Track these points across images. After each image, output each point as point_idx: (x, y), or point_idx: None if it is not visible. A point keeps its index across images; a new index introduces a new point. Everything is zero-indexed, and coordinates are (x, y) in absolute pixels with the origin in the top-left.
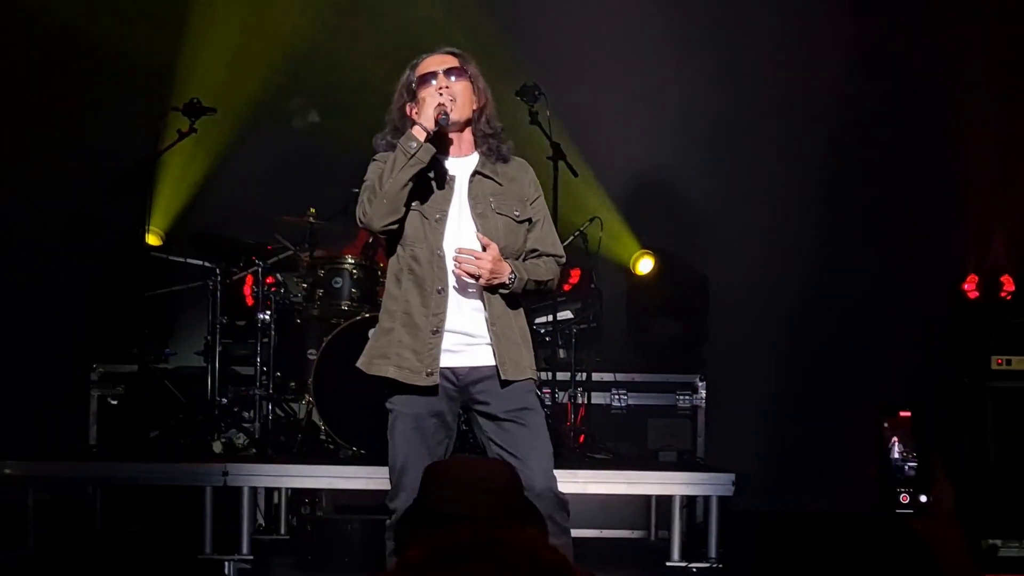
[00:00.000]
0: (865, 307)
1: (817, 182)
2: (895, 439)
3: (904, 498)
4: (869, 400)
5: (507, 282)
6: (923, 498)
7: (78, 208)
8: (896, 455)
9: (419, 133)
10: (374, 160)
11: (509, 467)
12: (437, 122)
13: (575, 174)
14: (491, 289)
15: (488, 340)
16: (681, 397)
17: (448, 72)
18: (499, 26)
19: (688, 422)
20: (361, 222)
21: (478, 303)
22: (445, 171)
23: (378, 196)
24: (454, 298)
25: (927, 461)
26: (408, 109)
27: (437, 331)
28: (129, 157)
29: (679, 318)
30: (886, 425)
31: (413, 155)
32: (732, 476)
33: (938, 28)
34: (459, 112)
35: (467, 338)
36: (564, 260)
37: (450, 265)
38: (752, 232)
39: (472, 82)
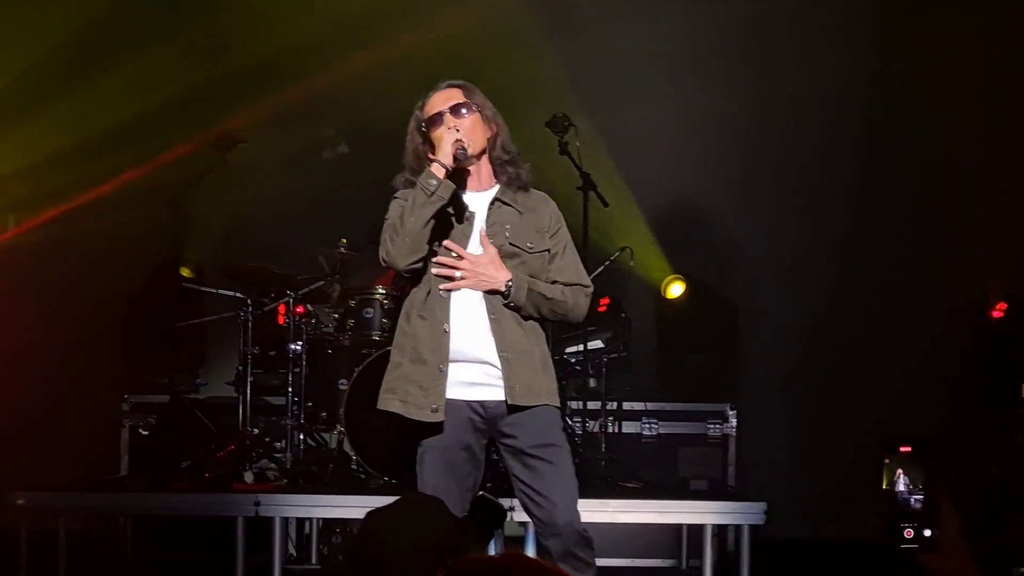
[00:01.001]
0: (895, 335)
1: (847, 212)
2: (900, 472)
3: (908, 532)
4: (901, 428)
5: (503, 290)
6: (927, 532)
7: (110, 239)
8: (901, 488)
9: (438, 171)
10: (395, 198)
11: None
12: (456, 157)
13: (605, 204)
14: (492, 298)
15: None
16: (712, 426)
17: (454, 109)
18: (538, 52)
19: (719, 451)
20: (385, 261)
21: (489, 334)
22: (464, 207)
23: (400, 235)
24: (476, 332)
25: (932, 495)
26: (423, 151)
27: (443, 368)
28: (162, 187)
29: (710, 347)
30: (887, 461)
31: (433, 193)
32: (764, 505)
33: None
34: (474, 146)
35: (495, 371)
36: (591, 289)
37: (456, 304)
38: (782, 261)
39: (480, 112)
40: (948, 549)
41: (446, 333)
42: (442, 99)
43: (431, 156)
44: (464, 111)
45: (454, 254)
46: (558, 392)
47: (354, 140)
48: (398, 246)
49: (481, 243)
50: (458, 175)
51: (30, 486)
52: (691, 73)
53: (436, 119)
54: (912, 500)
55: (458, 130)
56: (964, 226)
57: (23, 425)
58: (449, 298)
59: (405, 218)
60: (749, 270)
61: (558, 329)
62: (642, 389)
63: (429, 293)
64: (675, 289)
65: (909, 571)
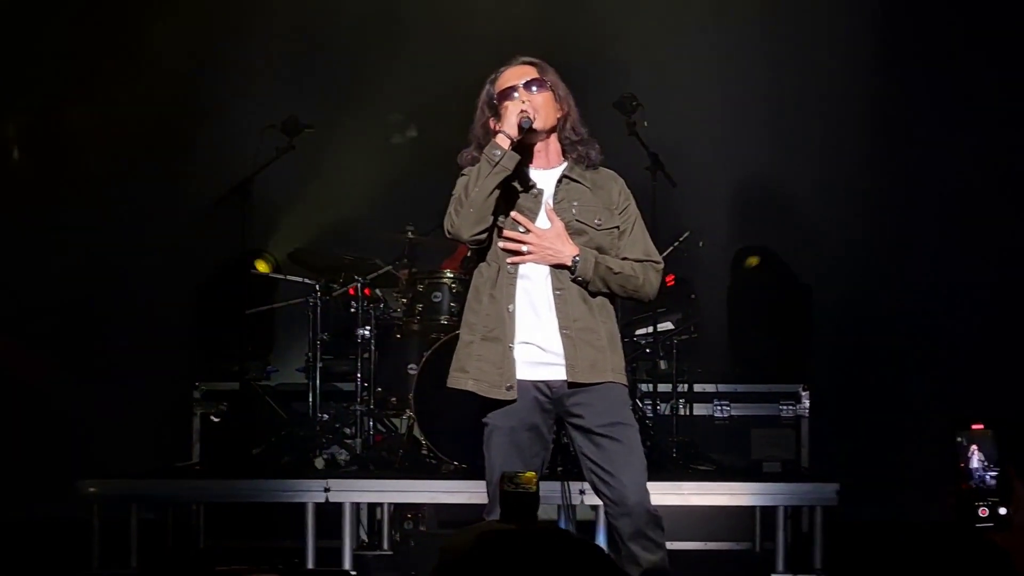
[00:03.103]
0: (971, 313)
1: (920, 189)
2: (974, 448)
3: (983, 511)
4: (976, 407)
5: (570, 265)
6: (1002, 511)
7: (181, 226)
8: (976, 465)
9: (503, 141)
10: (462, 175)
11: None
12: (520, 127)
13: (673, 184)
14: (559, 274)
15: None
16: (784, 407)
17: (528, 84)
18: (597, 34)
19: (792, 432)
20: (449, 232)
21: (554, 311)
22: (531, 182)
23: (464, 205)
24: (540, 311)
25: (1005, 473)
26: (491, 124)
27: (513, 345)
28: (231, 174)
29: (781, 327)
30: (960, 440)
31: (498, 162)
32: (836, 486)
33: None
34: (542, 121)
35: (559, 349)
36: (662, 266)
37: (522, 282)
38: (855, 240)
39: (553, 91)
40: (1020, 528)
41: (510, 313)
42: (516, 74)
43: (496, 127)
44: (536, 87)
45: (521, 228)
46: (625, 371)
47: (422, 124)
48: (462, 216)
49: (548, 217)
50: (525, 152)
51: (103, 474)
52: (763, 49)
53: (508, 92)
54: (987, 478)
55: (524, 102)
56: None
57: (95, 413)
58: (516, 275)
59: (470, 188)
60: (822, 249)
61: (627, 311)
62: (713, 371)
63: (499, 271)
64: (750, 263)
65: (982, 550)
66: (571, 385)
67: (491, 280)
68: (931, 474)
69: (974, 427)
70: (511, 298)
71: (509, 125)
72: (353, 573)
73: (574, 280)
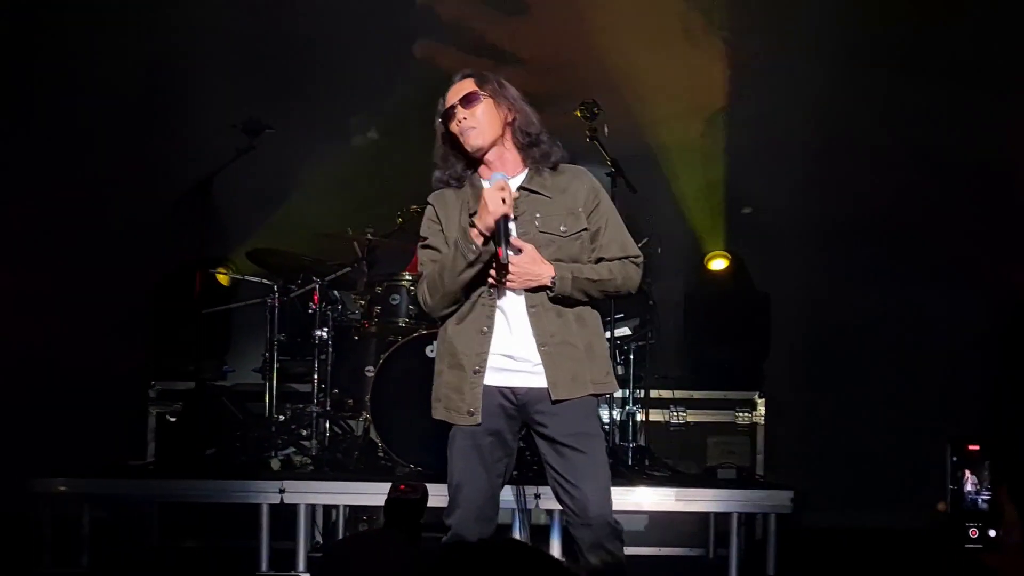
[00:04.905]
0: (930, 323)
1: (883, 198)
2: (967, 472)
3: (974, 532)
4: (930, 416)
5: (549, 284)
6: (992, 532)
7: (139, 225)
8: (969, 488)
9: (477, 237)
10: (423, 247)
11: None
12: (497, 224)
13: (634, 191)
14: (535, 292)
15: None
16: (740, 414)
17: (464, 101)
18: (558, 41)
19: (747, 439)
20: (424, 308)
21: (528, 327)
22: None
23: (440, 292)
24: (516, 328)
25: (997, 495)
26: (444, 149)
27: (479, 371)
28: (190, 174)
29: (739, 335)
30: (955, 459)
31: (474, 260)
32: (790, 493)
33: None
34: (483, 137)
35: (531, 360)
36: (640, 258)
37: (497, 304)
38: (814, 249)
39: (493, 98)
40: (1009, 550)
41: (484, 334)
42: (453, 93)
43: (474, 222)
44: (469, 103)
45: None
46: (609, 377)
47: (382, 126)
48: (436, 301)
49: (512, 243)
50: (477, 164)
51: (56, 472)
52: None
53: (450, 113)
54: (979, 501)
55: (462, 121)
56: (1012, 208)
57: (50, 411)
58: (494, 303)
59: (445, 278)
60: (780, 258)
61: None
62: (670, 377)
63: (475, 300)
64: (717, 264)
65: (972, 571)
66: (555, 402)
67: (465, 311)
68: (885, 482)
69: (970, 448)
70: (484, 320)
71: (485, 224)
72: None
73: (552, 299)
